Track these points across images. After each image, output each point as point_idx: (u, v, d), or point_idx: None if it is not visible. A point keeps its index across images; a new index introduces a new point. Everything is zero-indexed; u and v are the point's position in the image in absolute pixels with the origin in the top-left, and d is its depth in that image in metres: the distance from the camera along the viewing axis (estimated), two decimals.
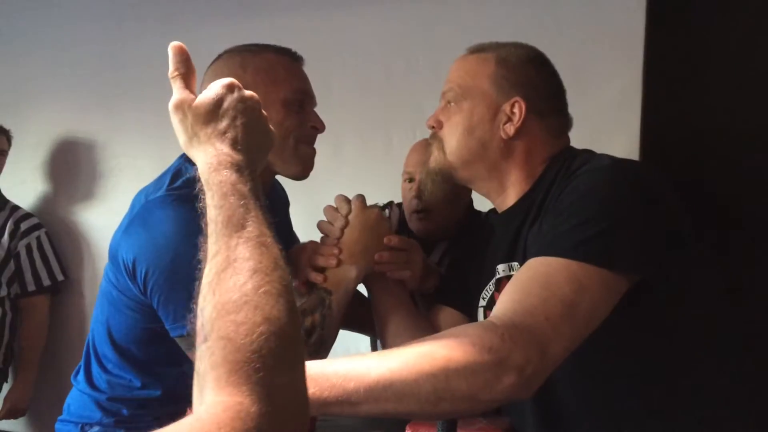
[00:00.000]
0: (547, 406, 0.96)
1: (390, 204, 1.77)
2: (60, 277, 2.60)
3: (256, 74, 1.15)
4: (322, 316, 1.10)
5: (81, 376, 1.30)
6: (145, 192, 1.20)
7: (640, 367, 0.92)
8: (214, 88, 0.72)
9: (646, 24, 2.07)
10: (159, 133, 2.60)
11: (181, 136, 0.72)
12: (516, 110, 1.06)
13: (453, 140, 1.07)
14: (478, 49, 1.11)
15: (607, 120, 2.02)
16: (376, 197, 2.36)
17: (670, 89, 2.10)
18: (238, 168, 0.66)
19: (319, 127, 1.21)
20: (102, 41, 2.67)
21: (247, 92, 0.73)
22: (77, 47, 2.69)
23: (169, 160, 2.70)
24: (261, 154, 0.72)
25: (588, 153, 1.06)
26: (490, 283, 1.07)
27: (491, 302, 1.06)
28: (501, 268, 1.06)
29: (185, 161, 1.20)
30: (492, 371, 0.76)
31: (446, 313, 1.17)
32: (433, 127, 1.11)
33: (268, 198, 1.38)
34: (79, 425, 1.26)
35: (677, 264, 0.90)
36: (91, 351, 1.31)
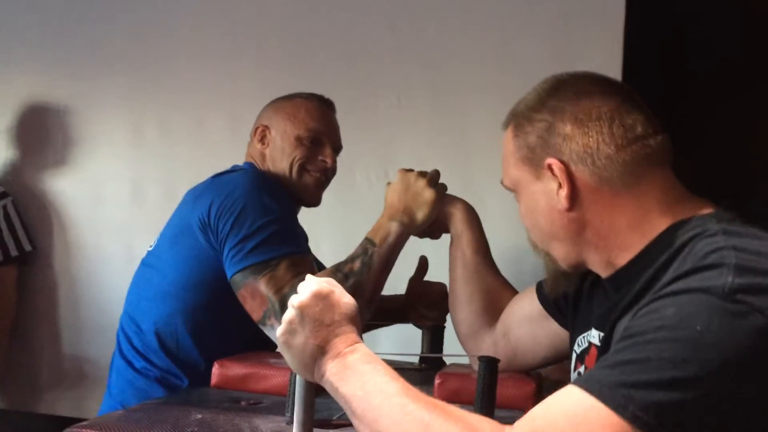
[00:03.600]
0: None
1: None
2: (28, 248, 2.52)
3: (283, 115, 1.47)
4: (362, 263, 1.25)
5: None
6: (202, 182, 1.42)
7: None
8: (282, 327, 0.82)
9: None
10: (133, 99, 2.55)
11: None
12: (557, 173, 0.87)
13: (531, 232, 0.96)
14: (505, 123, 0.97)
15: None
16: (363, 159, 2.43)
17: (650, 64, 2.14)
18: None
19: (327, 162, 1.46)
20: (72, 4, 2.57)
21: (298, 302, 0.82)
22: (45, 10, 2.59)
23: (143, 127, 2.65)
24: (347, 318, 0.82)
25: (731, 231, 0.78)
26: (585, 341, 0.97)
27: (582, 357, 0.97)
28: (594, 335, 0.94)
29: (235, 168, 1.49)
30: None
31: (527, 297, 1.14)
32: None
33: None
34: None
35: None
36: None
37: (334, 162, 1.49)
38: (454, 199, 1.32)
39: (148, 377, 1.32)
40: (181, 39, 2.46)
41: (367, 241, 1.27)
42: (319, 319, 0.79)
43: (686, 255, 0.77)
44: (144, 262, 1.44)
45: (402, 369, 1.48)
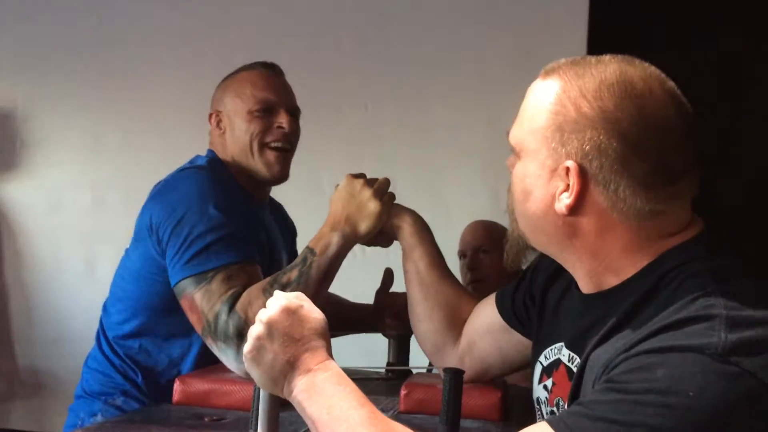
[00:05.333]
0: None
1: None
2: None
3: (230, 94, 1.39)
4: (299, 273, 1.19)
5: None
6: (165, 178, 1.37)
7: None
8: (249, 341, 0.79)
9: None
10: (93, 104, 2.49)
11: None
12: (571, 178, 0.77)
13: (515, 201, 0.86)
14: (549, 72, 0.82)
15: None
16: (331, 162, 2.40)
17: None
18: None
19: (284, 126, 1.36)
20: (30, 7, 2.50)
21: (267, 317, 0.79)
22: (1, 11, 2.51)
23: (103, 134, 2.58)
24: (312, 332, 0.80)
25: (715, 272, 0.73)
26: (553, 354, 0.92)
27: (550, 370, 0.91)
28: (565, 352, 0.89)
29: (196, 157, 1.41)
30: None
31: (488, 309, 1.10)
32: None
33: (278, 221, 1.47)
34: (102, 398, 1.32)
35: None
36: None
37: (294, 125, 1.39)
38: (402, 210, 1.22)
39: (126, 376, 1.29)
40: (144, 44, 2.42)
41: (308, 250, 1.21)
42: (289, 334, 0.76)
43: (672, 293, 0.73)
44: (125, 253, 1.39)
45: (369, 379, 1.49)
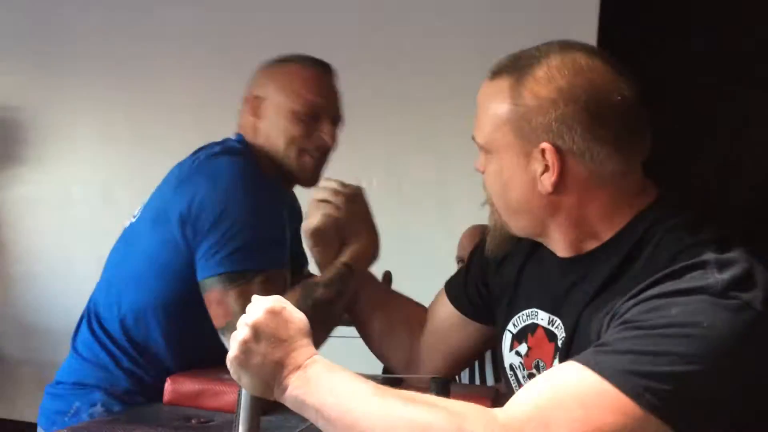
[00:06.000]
0: None
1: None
2: None
3: (276, 85, 1.30)
4: (337, 292, 1.15)
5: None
6: (191, 158, 1.29)
7: None
8: (233, 345, 0.79)
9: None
10: (103, 100, 2.51)
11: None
12: (549, 158, 0.83)
13: (494, 195, 0.91)
14: (496, 73, 0.88)
15: None
16: (335, 165, 2.39)
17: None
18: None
19: (326, 140, 1.29)
20: (40, 5, 2.53)
21: (253, 320, 0.78)
22: (13, 10, 2.54)
23: (113, 129, 2.60)
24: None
25: (686, 226, 0.83)
26: (524, 320, 0.96)
27: (521, 336, 0.96)
28: (542, 316, 0.93)
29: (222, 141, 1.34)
30: None
31: (443, 305, 1.11)
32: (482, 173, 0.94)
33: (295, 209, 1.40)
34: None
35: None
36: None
37: (334, 138, 1.31)
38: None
39: (119, 365, 1.22)
40: (155, 39, 2.43)
41: (346, 267, 1.14)
42: (276, 336, 0.77)
43: (655, 247, 0.82)
44: (124, 237, 1.32)
45: None
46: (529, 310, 0.96)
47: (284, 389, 0.77)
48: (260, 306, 0.79)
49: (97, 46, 2.46)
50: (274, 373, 0.77)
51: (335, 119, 1.33)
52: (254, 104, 1.30)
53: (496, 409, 0.72)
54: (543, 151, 0.83)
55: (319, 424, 0.75)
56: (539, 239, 0.93)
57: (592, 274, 0.86)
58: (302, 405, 0.76)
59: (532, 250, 0.98)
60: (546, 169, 0.84)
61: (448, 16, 2.25)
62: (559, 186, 0.84)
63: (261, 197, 1.19)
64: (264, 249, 1.16)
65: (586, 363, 0.73)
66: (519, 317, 0.97)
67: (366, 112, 2.28)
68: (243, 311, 1.08)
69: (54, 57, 2.51)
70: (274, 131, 1.28)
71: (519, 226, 0.91)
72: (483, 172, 0.92)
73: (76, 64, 2.48)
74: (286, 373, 0.76)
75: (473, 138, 0.91)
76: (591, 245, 0.88)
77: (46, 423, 1.25)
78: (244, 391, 0.81)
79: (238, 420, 0.85)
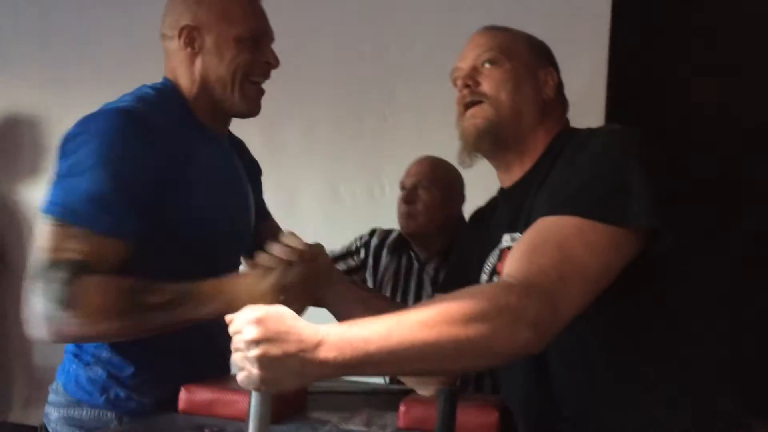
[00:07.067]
0: (539, 374, 1.00)
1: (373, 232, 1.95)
2: None
3: (210, 12, 1.20)
4: (169, 302, 1.07)
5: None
6: None
7: (633, 342, 0.96)
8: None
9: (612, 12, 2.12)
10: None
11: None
12: (549, 79, 1.11)
13: (503, 94, 1.08)
14: (504, 29, 1.15)
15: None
16: (348, 173, 2.41)
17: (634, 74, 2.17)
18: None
19: (272, 62, 1.25)
20: (45, 12, 2.57)
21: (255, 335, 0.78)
22: (16, 17, 2.59)
23: None
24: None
25: (590, 128, 1.07)
26: (493, 254, 1.09)
27: (493, 272, 1.08)
28: (505, 239, 1.07)
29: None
30: (509, 328, 0.80)
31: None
32: (468, 86, 1.10)
33: (240, 155, 1.33)
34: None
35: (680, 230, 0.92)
36: None
37: (277, 61, 1.25)
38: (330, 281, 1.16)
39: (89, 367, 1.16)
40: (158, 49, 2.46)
41: (193, 288, 1.06)
42: (278, 332, 0.77)
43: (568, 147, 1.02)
44: None
45: (368, 393, 1.46)
46: (493, 251, 1.08)
47: (323, 364, 0.76)
48: (246, 321, 0.78)
49: (113, 55, 2.49)
50: (300, 359, 0.76)
51: (271, 42, 1.27)
52: (189, 36, 1.20)
53: (502, 280, 0.87)
54: (548, 73, 1.12)
55: (385, 371, 0.80)
56: (506, 154, 1.10)
57: (530, 189, 1.03)
58: (352, 366, 0.76)
59: (479, 220, 1.21)
60: (544, 86, 1.10)
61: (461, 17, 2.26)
62: (550, 100, 1.11)
63: (127, 157, 1.09)
64: (86, 207, 1.06)
65: (559, 212, 0.90)
66: (488, 262, 1.09)
67: (377, 119, 2.29)
68: (52, 251, 0.99)
69: (68, 66, 2.54)
70: (215, 61, 1.20)
71: (517, 128, 1.08)
72: (473, 86, 1.09)
73: (90, 73, 2.50)
74: (312, 352, 0.76)
75: (476, 56, 1.10)
76: (522, 171, 1.08)
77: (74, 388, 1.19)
78: (253, 401, 0.83)
79: (249, 428, 0.86)
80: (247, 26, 1.21)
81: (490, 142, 1.08)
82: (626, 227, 0.88)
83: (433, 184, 1.79)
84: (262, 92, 1.26)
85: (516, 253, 0.89)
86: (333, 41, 2.34)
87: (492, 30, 1.14)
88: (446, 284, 1.21)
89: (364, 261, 1.90)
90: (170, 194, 1.13)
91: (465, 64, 1.12)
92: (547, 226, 0.90)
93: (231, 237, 1.27)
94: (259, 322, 0.77)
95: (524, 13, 2.13)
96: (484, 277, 1.09)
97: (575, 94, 2.09)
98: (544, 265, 0.85)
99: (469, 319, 0.79)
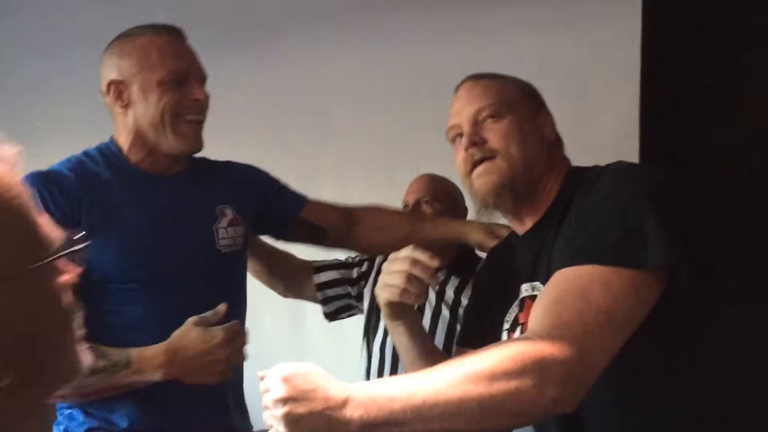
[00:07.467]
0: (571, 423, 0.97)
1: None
2: None
3: (132, 62, 1.24)
4: (103, 368, 1.13)
5: None
6: None
7: (662, 377, 0.94)
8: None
9: (642, 57, 2.12)
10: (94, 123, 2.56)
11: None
12: (547, 121, 1.11)
13: (512, 147, 1.06)
14: (491, 77, 1.13)
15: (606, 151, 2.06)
16: None
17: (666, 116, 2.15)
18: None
19: (200, 98, 1.27)
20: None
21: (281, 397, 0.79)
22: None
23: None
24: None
25: (597, 166, 1.06)
26: (514, 305, 1.07)
27: (515, 324, 1.06)
28: (524, 288, 1.06)
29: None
30: (535, 386, 0.78)
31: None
32: (474, 143, 1.07)
33: (203, 184, 1.32)
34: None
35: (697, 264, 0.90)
36: None
37: (207, 96, 1.27)
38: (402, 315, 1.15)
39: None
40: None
41: (129, 358, 1.13)
42: (305, 391, 0.78)
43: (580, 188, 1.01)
44: None
45: None
46: (514, 302, 1.06)
47: (349, 422, 0.76)
48: (274, 379, 0.79)
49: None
50: (327, 417, 0.76)
51: (202, 79, 1.29)
52: (117, 90, 1.25)
53: (524, 335, 0.86)
54: (545, 116, 1.12)
55: (409, 426, 0.76)
56: (521, 204, 1.07)
57: (554, 224, 1.02)
58: (377, 424, 0.76)
59: (487, 266, 1.21)
60: (545, 124, 1.10)
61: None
62: (552, 143, 1.09)
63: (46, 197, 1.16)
64: None
65: (575, 262, 0.88)
66: (510, 312, 1.06)
67: (410, 172, 2.30)
68: None
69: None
70: (143, 108, 1.23)
71: (531, 178, 1.06)
72: (479, 144, 1.07)
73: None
74: (338, 410, 0.76)
75: (476, 111, 1.07)
76: (541, 210, 1.06)
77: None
78: None
79: None
80: (167, 68, 1.23)
81: (509, 197, 1.06)
82: (644, 270, 0.87)
83: (435, 199, 1.78)
84: (199, 128, 1.28)
85: (538, 309, 0.88)
86: (363, 94, 2.36)
87: (482, 80, 1.11)
88: (466, 328, 1.20)
89: (366, 273, 1.88)
90: (97, 239, 1.17)
91: (463, 121, 1.09)
92: (565, 278, 0.89)
93: (179, 271, 1.27)
94: (286, 380, 0.78)
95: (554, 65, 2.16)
96: (506, 326, 1.08)
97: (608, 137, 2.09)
98: (567, 318, 0.84)
99: (494, 377, 0.78)
